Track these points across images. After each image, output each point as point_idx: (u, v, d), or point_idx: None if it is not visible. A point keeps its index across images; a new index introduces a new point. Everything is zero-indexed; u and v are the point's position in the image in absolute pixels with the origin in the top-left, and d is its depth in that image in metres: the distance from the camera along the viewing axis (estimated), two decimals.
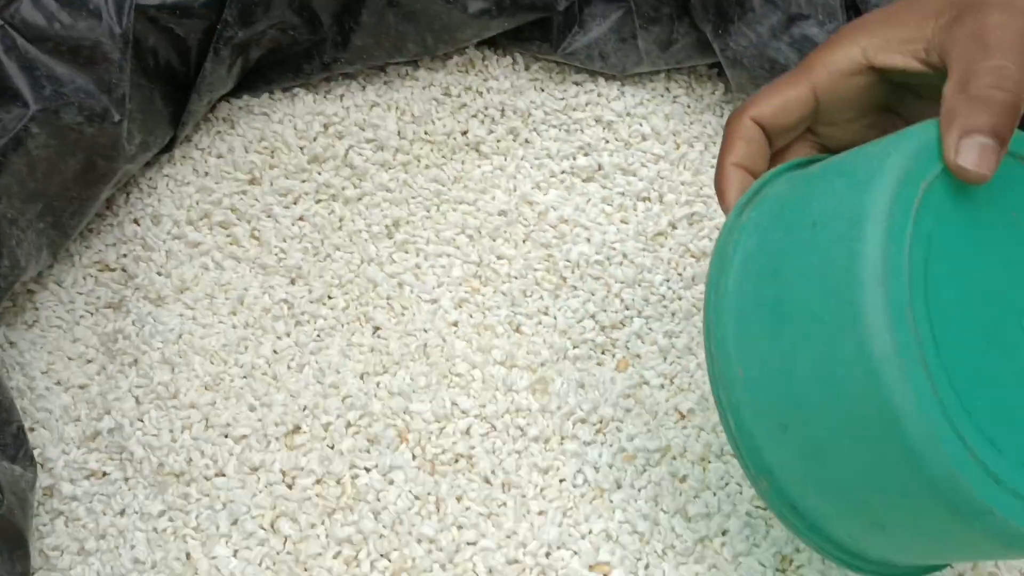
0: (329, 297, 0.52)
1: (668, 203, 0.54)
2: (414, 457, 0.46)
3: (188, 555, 0.44)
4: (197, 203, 0.54)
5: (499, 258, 0.53)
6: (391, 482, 0.45)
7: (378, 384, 0.49)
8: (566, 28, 0.54)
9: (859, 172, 0.33)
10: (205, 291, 0.52)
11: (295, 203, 0.54)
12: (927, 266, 0.31)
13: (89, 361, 0.51)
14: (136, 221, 0.54)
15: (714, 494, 0.45)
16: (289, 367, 0.50)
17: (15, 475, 0.43)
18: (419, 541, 0.43)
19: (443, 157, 0.55)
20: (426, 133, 0.55)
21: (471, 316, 0.51)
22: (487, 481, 0.45)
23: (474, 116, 0.56)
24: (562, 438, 0.47)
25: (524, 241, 0.53)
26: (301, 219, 0.54)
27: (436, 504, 0.44)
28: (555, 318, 0.51)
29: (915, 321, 0.30)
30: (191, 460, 0.47)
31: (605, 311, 0.51)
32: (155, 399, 0.49)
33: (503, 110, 0.56)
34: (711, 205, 0.53)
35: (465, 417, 0.47)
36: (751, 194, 0.37)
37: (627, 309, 0.51)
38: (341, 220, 0.54)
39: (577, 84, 0.56)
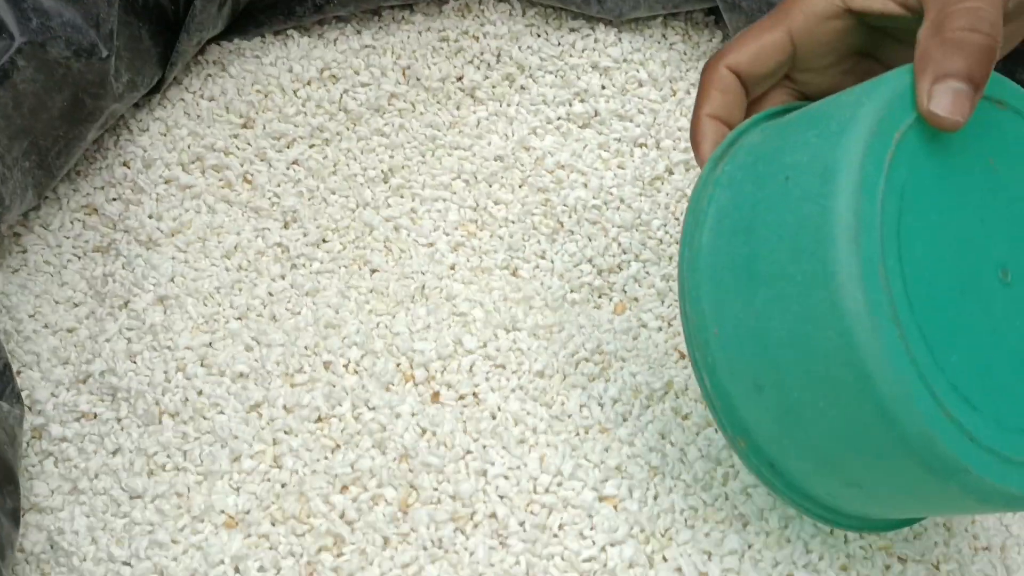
0: (324, 240, 0.52)
1: (665, 148, 0.54)
2: (419, 394, 0.46)
3: (188, 490, 0.43)
4: (189, 146, 0.53)
5: (496, 203, 0.53)
6: (397, 416, 0.45)
7: (378, 324, 0.48)
8: None
9: (831, 123, 0.33)
10: (197, 234, 0.51)
11: (289, 147, 0.54)
12: (900, 219, 0.31)
13: (77, 305, 0.50)
14: (126, 164, 0.53)
15: (716, 430, 0.45)
16: (287, 308, 0.49)
17: (3, 412, 0.42)
18: (427, 471, 0.43)
19: (438, 103, 0.55)
20: (420, 78, 0.55)
21: (468, 260, 0.51)
22: (493, 416, 0.45)
23: (470, 62, 0.56)
24: (565, 375, 0.47)
25: (521, 186, 0.53)
26: (295, 163, 0.54)
27: (443, 438, 0.44)
28: (552, 262, 0.51)
29: (887, 277, 0.30)
30: (187, 400, 0.46)
31: (602, 255, 0.51)
32: (148, 341, 0.48)
33: (499, 56, 0.56)
34: None
35: (469, 355, 0.47)
36: (726, 146, 0.37)
37: (624, 253, 0.51)
38: (336, 164, 0.54)
39: (574, 30, 0.56)
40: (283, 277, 0.50)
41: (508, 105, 0.55)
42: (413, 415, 0.45)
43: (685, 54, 0.56)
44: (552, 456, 0.44)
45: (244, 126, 0.54)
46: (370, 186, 0.53)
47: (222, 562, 0.41)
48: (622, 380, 0.47)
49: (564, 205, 0.53)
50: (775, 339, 0.32)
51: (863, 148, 0.31)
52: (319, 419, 0.45)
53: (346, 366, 0.47)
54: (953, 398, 0.31)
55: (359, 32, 0.56)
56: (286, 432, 0.45)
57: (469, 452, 0.44)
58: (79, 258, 0.52)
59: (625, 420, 0.46)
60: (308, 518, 0.42)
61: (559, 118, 0.55)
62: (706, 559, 0.42)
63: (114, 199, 0.53)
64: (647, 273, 0.51)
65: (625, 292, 0.51)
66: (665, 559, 0.42)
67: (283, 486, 0.43)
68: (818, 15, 0.37)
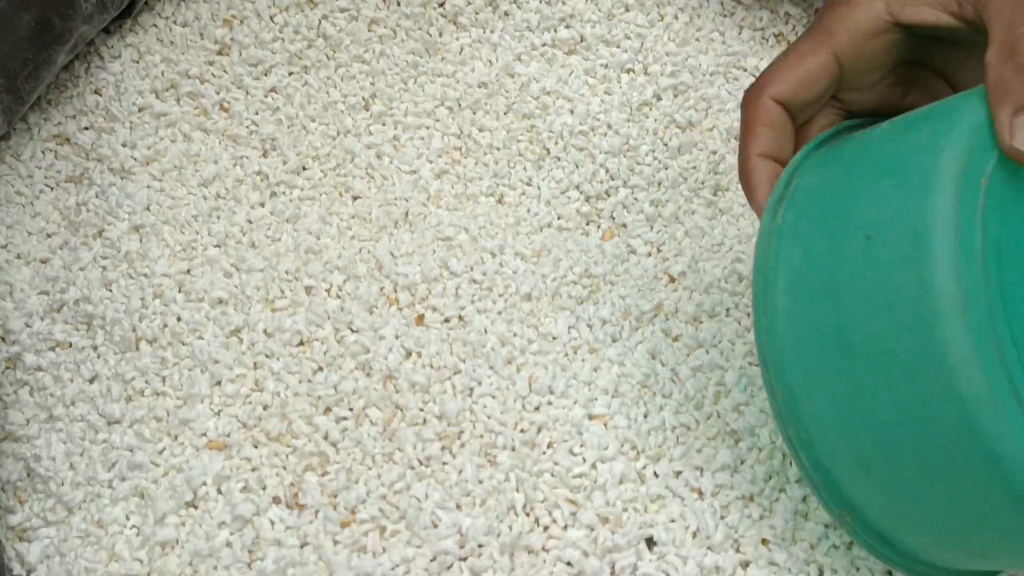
0: (305, 168, 0.51)
1: (653, 74, 0.54)
2: (404, 317, 0.45)
3: (167, 414, 0.43)
4: (162, 73, 0.52)
5: (480, 130, 0.53)
6: (381, 338, 0.44)
7: (361, 250, 0.48)
8: None
9: (908, 172, 0.30)
10: (173, 163, 0.51)
11: (266, 74, 0.53)
12: (1002, 279, 0.29)
13: (50, 235, 0.49)
14: (98, 91, 0.52)
15: (707, 351, 0.45)
16: (266, 235, 0.49)
17: None
18: (412, 392, 0.43)
19: (419, 29, 0.55)
20: (402, 3, 0.55)
21: (453, 187, 0.51)
22: (480, 337, 0.45)
23: None
24: (553, 296, 0.46)
25: (506, 113, 0.53)
26: (273, 91, 0.53)
27: (428, 359, 0.44)
28: (539, 189, 0.51)
29: (1001, 350, 0.28)
30: (165, 326, 0.45)
31: (590, 181, 0.51)
32: (123, 269, 0.47)
33: None
34: (696, 75, 0.54)
35: (455, 278, 0.47)
36: (782, 187, 0.34)
37: (612, 179, 0.51)
38: (315, 92, 0.53)
39: None
40: (262, 205, 0.50)
41: (492, 31, 0.55)
42: (397, 337, 0.45)
43: None
44: (541, 376, 0.44)
45: (219, 53, 0.53)
46: (351, 113, 0.53)
47: (204, 483, 0.41)
48: (611, 302, 0.46)
49: (550, 131, 0.52)
50: (881, 418, 0.30)
51: (954, 205, 0.28)
52: (301, 343, 0.45)
53: (328, 291, 0.46)
54: None
55: None
56: (267, 356, 0.44)
57: (456, 372, 0.44)
58: (51, 188, 0.51)
59: (615, 341, 0.45)
60: (291, 439, 0.42)
61: (544, 44, 0.55)
62: (698, 475, 0.42)
63: (86, 128, 0.52)
64: (635, 199, 0.51)
65: (613, 218, 0.50)
66: (656, 475, 0.42)
67: (265, 408, 0.43)
68: (865, 32, 0.34)
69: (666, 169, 0.51)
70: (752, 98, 0.36)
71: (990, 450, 0.28)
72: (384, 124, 0.53)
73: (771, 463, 0.42)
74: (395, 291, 0.46)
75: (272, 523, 0.40)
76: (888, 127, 0.34)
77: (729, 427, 0.43)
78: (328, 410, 0.43)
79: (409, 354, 0.44)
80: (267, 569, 0.39)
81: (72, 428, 0.43)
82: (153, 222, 0.49)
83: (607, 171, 0.51)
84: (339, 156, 0.51)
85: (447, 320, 0.46)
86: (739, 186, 0.51)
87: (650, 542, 0.40)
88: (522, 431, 0.42)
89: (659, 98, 0.53)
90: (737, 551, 0.40)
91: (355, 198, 0.50)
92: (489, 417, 0.42)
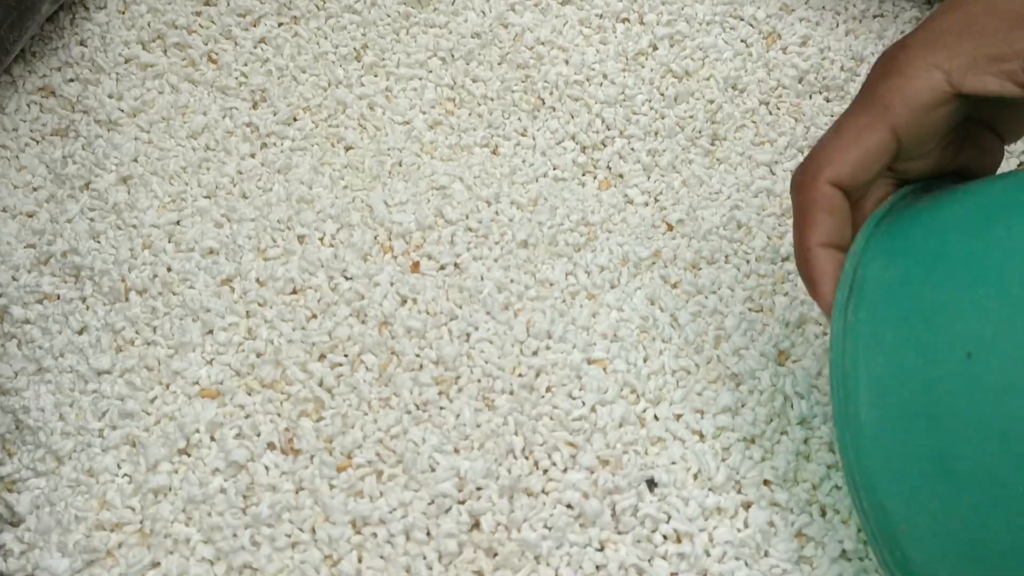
0: (295, 119, 0.51)
1: (648, 23, 0.54)
2: (398, 264, 0.45)
3: (159, 363, 0.43)
4: (148, 24, 0.52)
5: (474, 80, 0.52)
6: (375, 285, 0.44)
7: (354, 199, 0.48)
8: None
9: (1008, 282, 0.28)
10: (161, 114, 0.50)
11: (255, 25, 0.53)
12: None
13: (36, 189, 0.49)
14: (83, 43, 0.52)
15: (706, 297, 0.45)
16: (257, 186, 0.48)
17: None
18: (408, 337, 0.42)
19: None
20: None
21: (447, 138, 0.51)
22: (476, 284, 0.45)
23: None
24: (550, 244, 0.46)
25: (500, 63, 0.53)
26: (263, 41, 0.52)
27: (424, 305, 0.44)
28: (534, 139, 0.51)
29: None
30: (155, 276, 0.45)
31: (586, 132, 0.51)
32: (111, 220, 0.47)
33: None
34: (692, 24, 0.53)
35: (450, 226, 0.46)
36: (848, 281, 0.32)
37: (608, 129, 0.51)
38: (305, 42, 0.53)
39: None
40: (253, 156, 0.49)
41: None
42: (392, 284, 0.44)
43: None
44: (538, 321, 0.43)
45: (207, 3, 0.53)
46: (342, 64, 0.52)
47: (197, 431, 0.41)
48: (609, 250, 0.46)
49: (545, 82, 0.52)
50: (996, 550, 0.28)
51: None
52: (294, 291, 0.44)
53: (321, 239, 0.46)
54: None
55: None
56: (260, 304, 0.44)
57: (452, 318, 0.43)
58: (37, 142, 0.50)
59: (613, 287, 0.45)
60: (286, 386, 0.42)
61: None
62: (699, 417, 0.42)
63: (72, 80, 0.51)
64: (632, 149, 0.50)
65: (610, 168, 0.50)
66: (656, 418, 0.42)
67: (259, 356, 0.43)
68: (924, 105, 0.32)
69: (663, 119, 0.51)
70: (807, 183, 0.33)
71: None
72: (376, 75, 0.52)
73: (772, 405, 0.42)
74: (389, 239, 0.46)
75: (267, 469, 0.40)
76: (960, 212, 0.32)
77: (729, 370, 0.43)
78: (323, 357, 0.43)
79: (404, 301, 0.44)
80: (262, 514, 0.38)
81: (61, 379, 0.43)
82: (141, 173, 0.48)
83: (603, 121, 0.51)
84: (331, 107, 0.51)
85: (443, 267, 0.45)
86: (737, 136, 0.51)
87: (651, 484, 0.40)
88: (520, 375, 0.42)
89: (655, 47, 0.53)
90: (739, 492, 0.40)
91: (347, 148, 0.50)
92: (487, 362, 0.42)
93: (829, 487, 0.40)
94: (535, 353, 0.43)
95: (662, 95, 0.52)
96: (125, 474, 0.41)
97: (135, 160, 0.49)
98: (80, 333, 0.44)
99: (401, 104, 0.51)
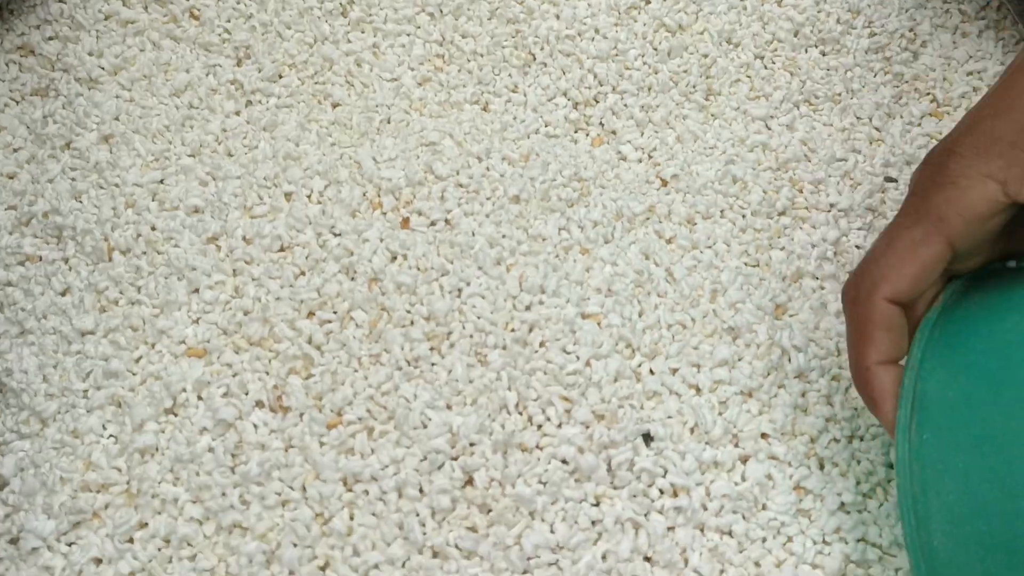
0: (281, 76, 0.50)
1: None
2: (388, 221, 0.45)
3: (144, 322, 0.42)
4: None
5: (463, 36, 0.52)
6: (364, 241, 0.44)
7: (342, 156, 0.47)
8: None
9: None
10: (143, 72, 0.50)
11: None
12: None
13: (17, 150, 0.48)
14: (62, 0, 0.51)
15: (702, 252, 0.45)
16: (243, 143, 0.48)
17: None
18: (398, 293, 0.42)
19: None
20: None
21: (436, 94, 0.50)
22: (467, 239, 0.44)
23: None
24: (542, 199, 0.46)
25: (489, 18, 0.52)
26: None
27: (414, 260, 0.43)
28: (525, 95, 0.50)
29: None
30: (139, 235, 0.45)
31: (578, 87, 0.50)
32: (93, 179, 0.46)
33: None
34: None
35: (440, 182, 0.46)
36: (909, 398, 0.32)
37: (600, 85, 0.50)
38: None
39: None
40: (238, 113, 0.49)
41: None
42: (382, 240, 0.44)
43: None
44: (531, 275, 0.43)
45: None
46: (328, 20, 0.51)
47: (184, 390, 0.40)
48: (602, 205, 0.46)
49: (536, 36, 0.51)
50: None
51: None
52: (281, 248, 0.44)
53: (309, 196, 0.46)
54: None
55: None
56: (247, 262, 0.43)
57: (443, 273, 0.43)
58: (17, 102, 0.50)
59: (607, 242, 0.45)
60: (274, 344, 0.41)
61: None
62: (695, 371, 0.41)
63: (51, 38, 0.51)
64: (625, 104, 0.50)
65: (603, 125, 0.49)
66: (652, 372, 0.41)
67: (246, 314, 0.42)
68: (980, 216, 0.32)
69: (656, 74, 0.51)
70: (864, 300, 0.33)
71: None
72: (363, 31, 0.52)
73: (769, 359, 0.42)
74: (378, 195, 0.46)
75: (255, 427, 0.39)
76: (1023, 324, 0.31)
77: (726, 324, 0.42)
78: (311, 314, 0.42)
79: (394, 257, 0.44)
80: (251, 472, 0.38)
81: (44, 341, 0.42)
82: (123, 132, 0.48)
83: (595, 76, 0.50)
84: (317, 64, 0.50)
85: (433, 223, 0.45)
86: (732, 90, 0.51)
87: (647, 438, 0.39)
88: (513, 330, 0.42)
89: (648, 1, 0.53)
90: (736, 446, 0.40)
91: (335, 105, 0.49)
92: (479, 317, 0.42)
93: (827, 440, 0.40)
94: (528, 308, 0.42)
95: (655, 49, 0.51)
96: (111, 435, 0.40)
97: (117, 119, 0.48)
98: (63, 294, 0.44)
99: (389, 60, 0.51)
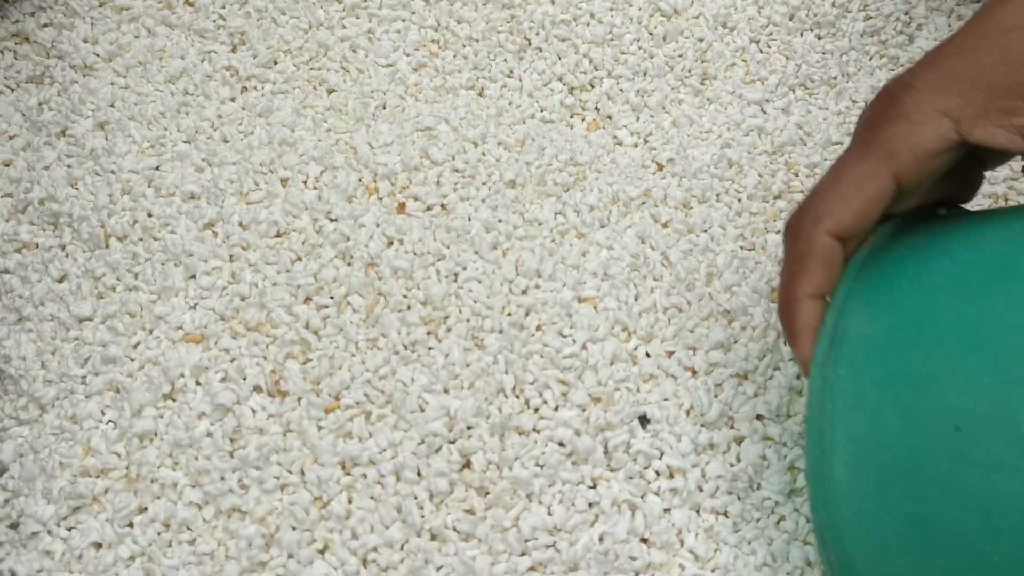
0: (276, 62, 0.50)
1: None
2: (384, 206, 0.45)
3: (141, 309, 0.42)
4: None
5: (458, 21, 0.52)
6: (361, 226, 0.44)
7: (338, 141, 0.47)
8: None
9: (1004, 359, 0.28)
10: (137, 59, 0.50)
11: None
12: None
13: (12, 137, 0.49)
14: None
15: (698, 235, 0.45)
16: (238, 130, 0.48)
17: None
18: (395, 278, 0.42)
19: None
20: None
21: (431, 80, 0.50)
22: (463, 224, 0.44)
23: None
24: (538, 183, 0.46)
25: (484, 4, 0.52)
26: None
27: (411, 245, 0.43)
28: (521, 80, 0.50)
29: None
30: (136, 221, 0.45)
31: (573, 72, 0.50)
32: (89, 166, 0.47)
33: None
34: None
35: (436, 167, 0.46)
36: (829, 333, 0.32)
37: (596, 70, 0.51)
38: None
39: None
40: (233, 99, 0.49)
41: None
42: (378, 225, 0.44)
43: None
44: (527, 259, 0.43)
45: None
46: (323, 5, 0.52)
47: (182, 375, 0.41)
48: (598, 189, 0.46)
49: (531, 21, 0.51)
50: None
51: None
52: (278, 233, 0.44)
53: (304, 182, 0.46)
54: None
55: None
56: (243, 247, 0.44)
57: (440, 258, 0.43)
58: (12, 90, 0.50)
59: (603, 226, 0.45)
60: (271, 329, 0.42)
61: None
62: (691, 354, 0.42)
63: (45, 25, 0.51)
64: (621, 89, 0.50)
65: (598, 110, 0.50)
66: (648, 355, 0.42)
67: (243, 300, 0.42)
68: (929, 153, 0.31)
69: (651, 58, 0.51)
70: (806, 232, 0.32)
71: None
72: (358, 17, 0.52)
73: (765, 341, 0.42)
74: (374, 180, 0.46)
75: (254, 411, 0.40)
76: (952, 271, 0.31)
77: (722, 307, 0.43)
78: (308, 299, 0.42)
79: (391, 242, 0.44)
80: (250, 456, 0.38)
81: (42, 327, 0.43)
82: (119, 118, 0.48)
83: (590, 61, 0.51)
84: (312, 50, 0.51)
85: (429, 208, 0.45)
86: (728, 75, 0.51)
87: (643, 420, 0.40)
88: (509, 314, 0.42)
89: None
90: (731, 427, 0.40)
91: (330, 91, 0.49)
92: (475, 301, 0.42)
93: None
94: (524, 292, 0.43)
95: (651, 34, 0.52)
96: (109, 420, 0.40)
97: (112, 105, 0.48)
98: (60, 281, 0.44)
99: (384, 46, 0.51)
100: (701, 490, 0.39)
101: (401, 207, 0.45)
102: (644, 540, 0.38)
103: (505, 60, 0.51)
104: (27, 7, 0.51)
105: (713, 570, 0.38)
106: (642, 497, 0.39)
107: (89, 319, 0.43)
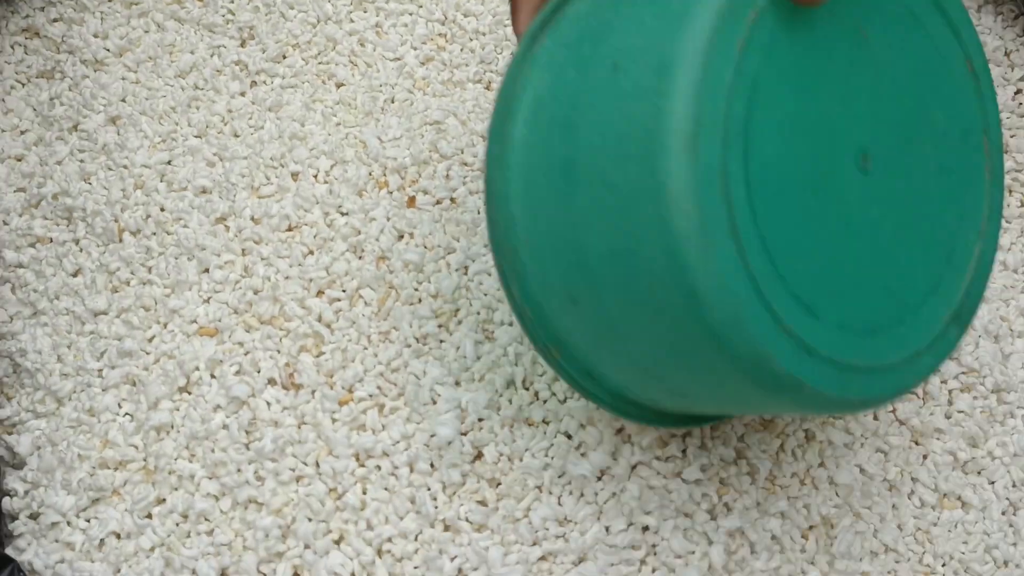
0: (285, 56, 0.51)
1: None
2: (394, 200, 0.46)
3: (155, 302, 0.43)
4: None
5: (465, 15, 0.52)
6: (372, 220, 0.44)
7: (347, 135, 0.48)
8: None
9: (672, 2, 0.29)
10: (147, 53, 0.50)
11: None
12: (750, 117, 0.28)
13: (24, 132, 0.49)
14: None
15: None
16: (248, 124, 0.48)
17: None
18: (406, 270, 0.43)
19: None
20: None
21: (439, 73, 0.51)
22: (474, 217, 0.45)
23: None
24: None
25: None
26: None
27: (421, 239, 0.44)
28: None
29: (728, 187, 0.27)
30: (149, 216, 0.45)
31: None
32: (102, 161, 0.47)
33: None
34: None
35: (445, 160, 0.47)
36: (548, 12, 0.32)
37: None
38: None
39: None
40: (243, 94, 0.49)
41: None
42: (388, 219, 0.45)
43: None
44: None
45: None
46: (331, 0, 0.52)
47: (197, 368, 0.41)
48: None
49: None
50: (594, 251, 0.30)
51: (708, 37, 0.27)
52: (289, 227, 0.45)
53: (315, 176, 0.46)
54: (793, 309, 0.29)
55: None
56: (255, 241, 0.44)
57: (450, 251, 0.44)
58: (23, 84, 0.50)
59: None
60: (284, 322, 0.42)
61: None
62: None
63: (56, 19, 0.51)
64: None
65: None
66: None
67: (256, 293, 0.43)
68: None
69: None
70: None
71: (693, 288, 0.28)
72: (366, 11, 0.52)
73: None
74: (384, 174, 0.46)
75: (268, 404, 0.40)
76: None
77: None
78: (321, 292, 0.43)
79: (401, 235, 0.44)
80: (265, 448, 0.39)
81: (58, 321, 0.43)
82: (130, 113, 0.48)
83: None
84: (320, 44, 0.51)
85: (439, 201, 0.46)
86: None
87: None
88: None
89: None
90: None
91: (339, 85, 0.50)
92: (485, 294, 0.43)
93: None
94: None
95: None
96: (126, 413, 0.41)
97: (123, 100, 0.49)
98: (75, 275, 0.45)
99: (392, 40, 0.51)
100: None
101: (411, 200, 0.46)
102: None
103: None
104: (37, 2, 0.51)
105: None
106: (650, 488, 0.39)
107: (104, 313, 0.43)
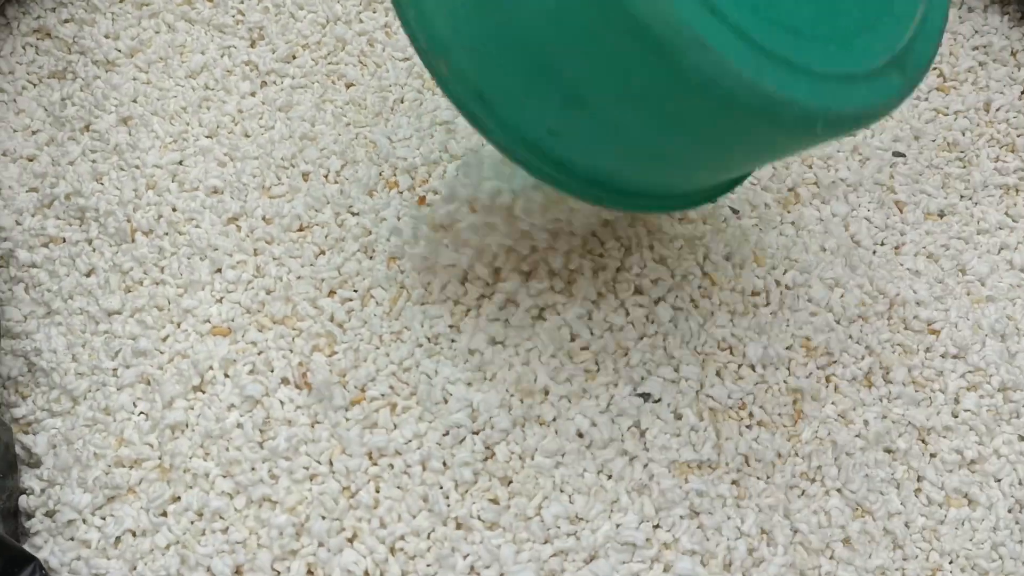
0: (295, 56, 0.51)
1: None
2: (404, 200, 0.46)
3: (168, 302, 0.43)
4: None
5: None
6: (382, 220, 0.45)
7: (357, 135, 0.48)
8: None
9: None
10: (158, 54, 0.51)
11: None
12: None
13: (36, 132, 0.49)
14: None
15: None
16: (259, 124, 0.49)
17: None
18: (416, 271, 0.43)
19: None
20: None
21: None
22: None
23: None
24: None
25: None
26: None
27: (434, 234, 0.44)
28: None
29: None
30: (161, 216, 0.46)
31: None
32: (114, 161, 0.48)
33: None
34: None
35: (456, 160, 0.47)
36: None
37: None
38: None
39: None
40: (253, 94, 0.50)
41: None
42: (399, 219, 0.45)
43: None
44: None
45: None
46: (340, 0, 0.52)
47: (211, 367, 0.42)
48: None
49: None
50: None
51: None
52: (301, 227, 0.45)
53: (326, 176, 0.47)
54: (735, 8, 0.28)
55: None
56: (267, 241, 0.45)
57: (462, 246, 0.44)
58: (34, 85, 0.51)
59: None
60: (297, 322, 0.43)
61: None
62: None
63: (67, 20, 0.51)
64: None
65: None
66: None
67: (268, 293, 0.44)
68: None
69: None
70: None
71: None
72: (375, 11, 0.53)
73: None
74: (395, 174, 0.47)
75: (282, 403, 0.41)
76: None
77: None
78: (332, 292, 0.43)
79: (413, 236, 0.45)
80: (279, 447, 0.40)
81: (72, 321, 0.44)
82: (141, 113, 0.49)
83: None
84: (330, 44, 0.51)
85: None
86: None
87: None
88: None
89: None
90: None
91: (348, 85, 0.50)
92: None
93: None
94: None
95: None
96: (141, 412, 0.42)
97: (134, 100, 0.49)
98: (88, 275, 0.45)
99: (401, 40, 0.52)
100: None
101: (422, 200, 0.46)
102: (656, 527, 0.39)
103: None
104: (48, 3, 0.52)
105: None
106: (659, 484, 0.40)
107: (118, 312, 0.44)
